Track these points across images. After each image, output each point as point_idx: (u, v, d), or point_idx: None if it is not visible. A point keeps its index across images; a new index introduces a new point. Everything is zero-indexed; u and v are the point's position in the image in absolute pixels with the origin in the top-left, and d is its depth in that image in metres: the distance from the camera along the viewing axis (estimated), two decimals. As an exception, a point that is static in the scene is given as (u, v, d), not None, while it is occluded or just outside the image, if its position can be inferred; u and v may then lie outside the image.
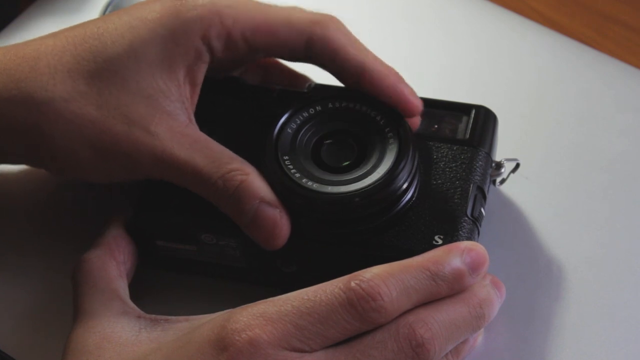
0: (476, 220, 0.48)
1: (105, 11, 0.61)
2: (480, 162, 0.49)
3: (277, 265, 0.49)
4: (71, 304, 0.48)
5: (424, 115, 0.51)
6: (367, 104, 0.48)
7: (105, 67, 0.47)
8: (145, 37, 0.48)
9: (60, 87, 0.47)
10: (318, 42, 0.49)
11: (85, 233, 0.52)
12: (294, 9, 0.50)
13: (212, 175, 0.46)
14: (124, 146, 0.47)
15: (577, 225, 0.53)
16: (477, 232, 0.48)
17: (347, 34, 0.49)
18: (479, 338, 0.48)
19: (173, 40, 0.48)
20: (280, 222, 0.46)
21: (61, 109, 0.47)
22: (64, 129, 0.47)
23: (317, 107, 0.49)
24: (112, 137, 0.47)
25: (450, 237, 0.47)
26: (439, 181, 0.49)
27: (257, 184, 0.46)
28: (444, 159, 0.49)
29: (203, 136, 0.48)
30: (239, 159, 0.47)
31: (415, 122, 0.50)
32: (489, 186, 0.51)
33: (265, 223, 0.46)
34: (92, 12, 0.64)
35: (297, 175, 0.47)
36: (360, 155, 0.48)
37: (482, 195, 0.49)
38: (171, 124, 0.47)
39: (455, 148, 0.50)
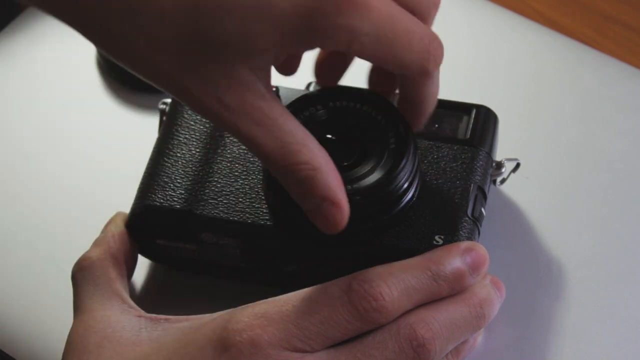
0: (476, 220, 0.48)
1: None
2: (480, 162, 0.49)
3: (277, 265, 0.49)
4: (71, 304, 0.48)
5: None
6: (368, 104, 0.48)
7: None
8: None
9: None
10: (416, 82, 0.45)
11: (85, 232, 0.52)
12: (414, 30, 0.44)
13: (278, 162, 0.42)
14: (190, 102, 0.42)
15: (577, 225, 0.53)
16: (477, 232, 0.48)
17: (438, 78, 0.46)
18: (479, 338, 0.48)
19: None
20: (340, 219, 0.43)
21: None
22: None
23: (317, 106, 0.49)
24: (181, 89, 0.42)
25: (451, 237, 0.47)
26: (440, 181, 0.49)
27: (323, 181, 0.42)
28: (445, 158, 0.49)
29: (278, 112, 0.42)
30: (311, 146, 0.42)
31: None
32: (489, 186, 0.51)
33: (324, 218, 0.43)
34: (92, 11, 0.64)
35: (298, 175, 0.47)
36: (360, 155, 0.48)
37: (482, 195, 0.49)
38: (245, 96, 0.42)
39: (455, 148, 0.50)
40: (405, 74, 0.44)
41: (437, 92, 0.46)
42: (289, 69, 0.48)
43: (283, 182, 0.43)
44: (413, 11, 0.44)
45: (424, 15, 0.44)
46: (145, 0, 0.39)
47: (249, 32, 0.40)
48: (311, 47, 0.42)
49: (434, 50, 0.44)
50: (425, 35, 0.43)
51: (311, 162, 0.42)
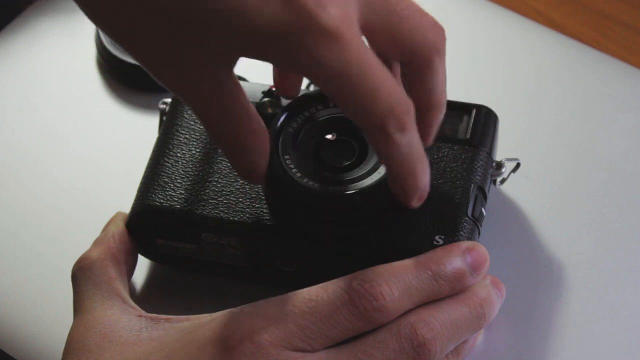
0: (477, 220, 0.48)
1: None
2: (481, 162, 0.49)
3: (277, 265, 0.49)
4: (71, 304, 0.48)
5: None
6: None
7: None
8: None
9: None
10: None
11: (85, 232, 0.52)
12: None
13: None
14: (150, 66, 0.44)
15: (577, 225, 0.53)
16: (477, 232, 0.48)
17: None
18: (479, 338, 0.48)
19: None
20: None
21: None
22: None
23: (317, 106, 0.49)
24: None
25: (451, 237, 0.47)
26: (440, 181, 0.49)
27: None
28: (445, 158, 0.49)
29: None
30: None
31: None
32: (489, 186, 0.51)
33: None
34: (92, 11, 0.64)
35: (298, 174, 0.47)
36: (361, 155, 0.48)
37: (482, 195, 0.49)
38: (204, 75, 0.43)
39: (456, 148, 0.50)
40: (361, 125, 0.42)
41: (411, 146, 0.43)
42: (290, 91, 0.48)
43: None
44: (410, 59, 0.43)
45: (424, 63, 0.43)
46: None
47: (219, 37, 0.40)
48: (273, 60, 0.42)
49: (399, 111, 0.41)
50: (393, 93, 0.41)
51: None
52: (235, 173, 0.50)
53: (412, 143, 0.42)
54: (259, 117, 0.44)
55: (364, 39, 0.42)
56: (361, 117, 0.41)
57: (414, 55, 0.43)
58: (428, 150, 0.49)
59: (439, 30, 0.44)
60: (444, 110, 0.45)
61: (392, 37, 0.43)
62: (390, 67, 0.44)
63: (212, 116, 0.43)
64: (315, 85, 0.44)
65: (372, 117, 0.41)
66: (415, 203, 0.45)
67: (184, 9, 0.40)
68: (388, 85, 0.41)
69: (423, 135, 0.44)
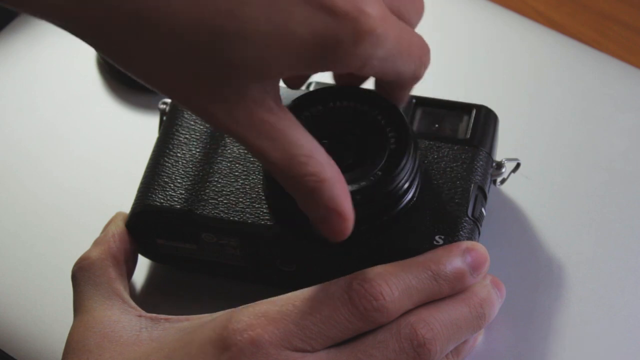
0: (477, 220, 0.48)
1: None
2: (481, 162, 0.49)
3: (277, 265, 0.49)
4: (71, 304, 0.48)
5: (425, 114, 0.51)
6: (367, 104, 0.48)
7: None
8: None
9: None
10: (404, 84, 0.47)
11: (85, 232, 0.52)
12: (413, 42, 0.45)
13: (286, 173, 0.42)
14: (201, 114, 0.43)
15: (577, 225, 0.53)
16: (477, 232, 0.48)
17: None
18: (479, 338, 0.48)
19: None
20: (345, 229, 0.43)
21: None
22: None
23: (318, 106, 0.49)
24: (192, 103, 0.42)
25: (451, 237, 0.47)
26: (440, 181, 0.49)
27: (329, 193, 0.42)
28: (445, 158, 0.49)
29: (286, 124, 0.43)
30: (318, 157, 0.43)
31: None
32: (489, 186, 0.51)
33: (330, 228, 0.43)
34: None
35: (298, 174, 0.47)
36: (361, 155, 0.48)
37: (482, 195, 0.49)
38: (254, 111, 0.42)
39: (456, 148, 0.50)
40: (397, 80, 0.45)
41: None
42: (296, 85, 0.49)
43: (291, 192, 0.43)
44: (404, 19, 0.45)
45: (412, 23, 0.46)
46: (156, 17, 0.39)
47: (266, 58, 0.40)
48: (323, 71, 0.43)
49: (425, 58, 0.45)
50: (418, 45, 0.44)
51: (318, 174, 0.42)
52: (236, 173, 0.50)
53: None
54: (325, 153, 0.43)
55: None
56: (397, 77, 0.44)
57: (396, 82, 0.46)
58: (428, 150, 0.50)
59: (426, 58, 0.46)
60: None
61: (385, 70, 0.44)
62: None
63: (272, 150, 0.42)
64: (359, 73, 0.45)
65: (407, 74, 0.44)
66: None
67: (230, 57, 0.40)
68: (415, 42, 0.44)
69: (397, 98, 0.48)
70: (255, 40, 0.40)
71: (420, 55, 0.45)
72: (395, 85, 0.47)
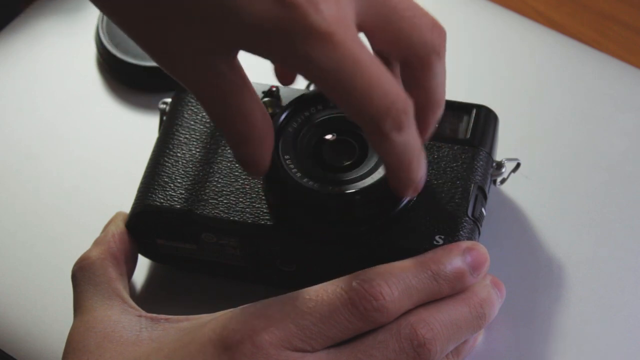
0: (477, 220, 0.48)
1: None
2: (481, 162, 0.49)
3: (277, 265, 0.49)
4: (71, 304, 0.48)
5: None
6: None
7: None
8: None
9: None
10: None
11: (85, 232, 0.52)
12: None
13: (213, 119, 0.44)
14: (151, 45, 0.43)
15: (577, 225, 0.53)
16: (477, 232, 0.48)
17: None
18: (479, 338, 0.48)
19: None
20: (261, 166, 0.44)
21: None
22: None
23: (318, 106, 0.49)
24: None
25: (451, 237, 0.47)
26: (440, 181, 0.49)
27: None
28: (445, 158, 0.49)
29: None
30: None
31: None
32: (489, 186, 0.51)
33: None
34: (92, 12, 0.64)
35: (299, 174, 0.47)
36: (361, 155, 0.48)
37: (482, 195, 0.49)
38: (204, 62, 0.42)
39: (456, 148, 0.50)
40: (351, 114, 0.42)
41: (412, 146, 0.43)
42: (285, 81, 0.48)
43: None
44: (409, 59, 0.43)
45: (422, 63, 0.43)
46: None
47: (213, 30, 0.40)
48: (267, 58, 0.42)
49: (395, 111, 0.40)
50: (390, 93, 0.40)
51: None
52: (236, 173, 0.50)
53: (408, 141, 0.42)
54: (265, 112, 0.43)
55: (364, 39, 0.42)
56: (356, 116, 0.41)
57: (412, 56, 0.43)
58: (428, 150, 0.50)
59: (439, 31, 0.44)
60: (442, 109, 0.45)
61: (391, 36, 0.43)
62: (390, 67, 0.44)
63: (213, 104, 0.43)
64: (310, 82, 0.44)
65: (367, 116, 0.41)
66: (410, 194, 0.45)
67: (182, 3, 0.40)
68: (384, 84, 0.40)
69: (420, 132, 0.44)
70: (206, 8, 0.40)
71: (389, 107, 0.40)
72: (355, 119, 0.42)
